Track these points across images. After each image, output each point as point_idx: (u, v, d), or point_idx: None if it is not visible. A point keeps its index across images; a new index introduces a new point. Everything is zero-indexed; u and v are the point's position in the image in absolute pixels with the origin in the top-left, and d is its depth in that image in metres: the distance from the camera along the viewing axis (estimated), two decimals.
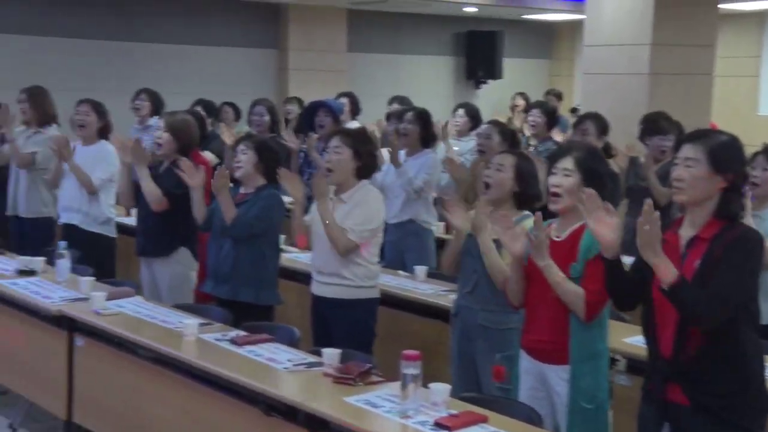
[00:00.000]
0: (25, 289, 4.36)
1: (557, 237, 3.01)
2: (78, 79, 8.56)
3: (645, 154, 5.48)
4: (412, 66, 11.12)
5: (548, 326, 2.97)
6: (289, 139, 6.33)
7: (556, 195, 3.00)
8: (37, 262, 4.75)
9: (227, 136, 6.66)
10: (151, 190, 4.62)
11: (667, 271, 2.35)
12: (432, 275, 4.86)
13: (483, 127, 5.50)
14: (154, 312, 4.01)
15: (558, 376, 2.96)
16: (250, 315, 4.07)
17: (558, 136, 6.83)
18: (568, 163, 3.01)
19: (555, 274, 2.89)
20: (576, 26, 11.58)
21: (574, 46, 12.29)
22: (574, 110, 9.78)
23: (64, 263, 4.46)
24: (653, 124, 5.58)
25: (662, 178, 5.14)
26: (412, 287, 4.65)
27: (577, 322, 2.92)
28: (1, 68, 8.21)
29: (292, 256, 5.29)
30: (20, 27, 8.48)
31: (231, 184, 4.35)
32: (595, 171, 3.01)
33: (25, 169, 5.79)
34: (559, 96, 10.43)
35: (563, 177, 3.00)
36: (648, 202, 2.37)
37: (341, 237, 3.90)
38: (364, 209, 3.96)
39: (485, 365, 3.49)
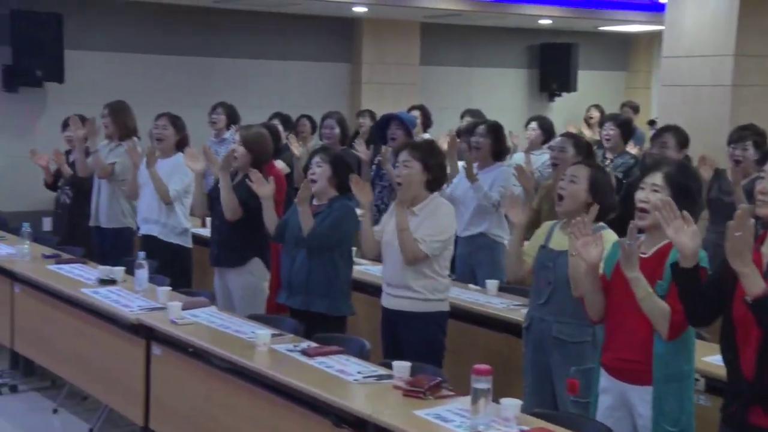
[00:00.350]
0: (106, 297, 4.51)
1: (643, 254, 2.93)
2: (158, 93, 8.79)
3: (730, 167, 5.33)
4: (485, 79, 11.05)
5: (631, 344, 2.90)
6: (360, 150, 6.39)
7: (643, 211, 2.93)
8: (118, 271, 4.91)
9: (295, 148, 6.79)
10: (229, 198, 4.70)
11: (754, 283, 2.25)
12: (503, 289, 4.84)
13: (557, 140, 5.45)
14: (227, 322, 4.09)
15: (640, 398, 2.89)
16: (323, 326, 4.12)
17: (633, 149, 6.71)
18: (657, 178, 2.93)
19: (643, 288, 2.81)
20: (654, 37, 11.34)
21: (651, 57, 12.05)
22: (652, 122, 9.58)
23: (143, 273, 4.59)
24: (733, 134, 5.44)
25: (749, 194, 4.99)
26: (484, 301, 4.64)
27: (662, 342, 2.84)
28: (86, 84, 8.47)
29: (363, 269, 5.33)
30: (104, 44, 8.73)
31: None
32: (685, 187, 2.92)
33: (106, 180, 6.00)
34: (635, 109, 10.24)
35: (651, 192, 2.92)
36: (745, 207, 2.27)
37: (412, 246, 3.91)
38: (435, 221, 3.97)
39: (560, 379, 3.45)
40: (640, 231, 2.99)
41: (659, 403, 2.85)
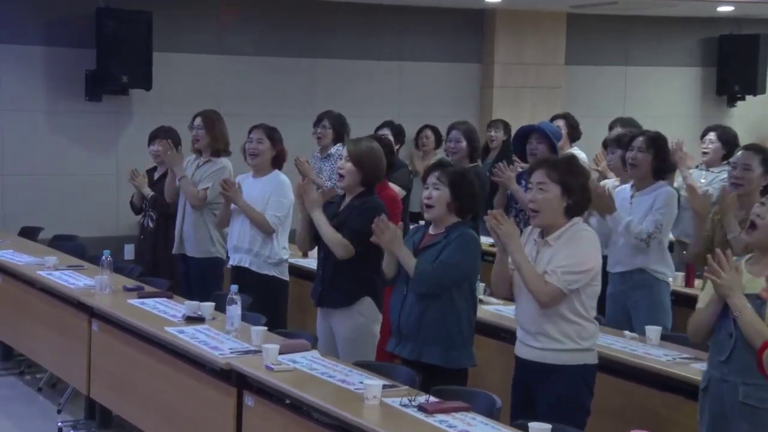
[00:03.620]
0: (193, 338, 4.62)
1: None
2: (250, 101, 8.97)
3: None
4: (646, 80, 10.82)
5: None
6: (501, 174, 6.14)
7: None
8: (206, 307, 5.05)
9: (419, 165, 6.79)
10: (331, 236, 4.72)
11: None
12: (667, 338, 4.74)
13: (739, 155, 5.26)
14: (331, 369, 4.14)
15: None
16: (438, 378, 4.12)
17: None
18: None
19: None
20: None
21: None
22: None
23: (235, 310, 4.68)
24: None
25: None
26: (642, 352, 4.55)
27: None
28: (175, 92, 8.73)
29: (494, 309, 5.30)
30: (195, 45, 8.95)
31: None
32: None
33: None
34: None
35: None
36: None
37: (538, 282, 3.86)
38: (573, 249, 3.90)
39: None
40: None
41: None
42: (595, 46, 10.54)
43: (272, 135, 5.77)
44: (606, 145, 6.78)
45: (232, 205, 5.73)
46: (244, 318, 4.78)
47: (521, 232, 4.11)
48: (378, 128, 7.98)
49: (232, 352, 4.35)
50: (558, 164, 4.07)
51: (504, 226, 3.94)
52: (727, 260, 3.37)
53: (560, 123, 7.62)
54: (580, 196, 4.00)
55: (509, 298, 4.32)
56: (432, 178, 4.38)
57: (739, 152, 5.20)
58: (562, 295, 3.86)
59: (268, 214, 5.60)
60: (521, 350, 4.06)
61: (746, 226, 3.51)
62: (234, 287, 4.74)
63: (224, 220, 5.86)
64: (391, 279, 4.48)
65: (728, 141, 6.79)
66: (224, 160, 6.26)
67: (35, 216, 8.16)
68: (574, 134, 7.87)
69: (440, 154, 8.72)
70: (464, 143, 6.49)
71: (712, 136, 6.90)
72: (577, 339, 3.93)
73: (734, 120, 10.52)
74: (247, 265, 5.66)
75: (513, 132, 8.39)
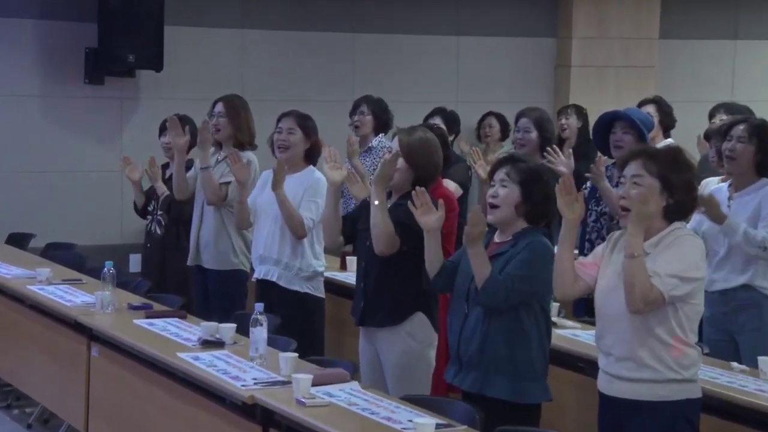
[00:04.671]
0: (210, 365, 4.64)
1: None
2: (279, 84, 8.99)
3: None
4: (759, 57, 10.70)
5: None
6: (557, 158, 6.08)
7: None
8: (226, 330, 5.06)
9: (480, 167, 6.75)
10: (384, 223, 4.72)
11: None
12: None
13: None
14: (375, 405, 4.14)
15: None
16: (505, 415, 4.11)
17: None
18: None
19: None
20: None
21: None
22: None
23: (260, 333, 4.68)
24: None
25: None
26: (754, 389, 4.50)
27: None
28: (192, 73, 8.79)
29: (570, 333, 5.28)
30: (213, 18, 8.96)
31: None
32: None
33: (213, 206, 6.23)
34: None
35: None
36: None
37: (644, 281, 3.78)
38: (677, 252, 3.88)
39: None
40: None
41: None
42: (696, 17, 10.45)
43: (305, 124, 5.80)
44: (709, 136, 6.72)
45: (258, 201, 5.77)
46: (270, 342, 4.79)
47: (603, 240, 4.07)
48: (427, 117, 7.99)
49: (256, 383, 4.37)
50: (659, 155, 4.03)
51: (651, 203, 3.82)
52: None
53: (650, 109, 7.45)
54: (683, 195, 3.95)
55: (593, 322, 4.29)
56: (500, 174, 4.38)
57: None
58: (661, 302, 3.82)
59: (302, 216, 5.63)
60: (606, 384, 4.03)
61: None
62: (259, 305, 4.73)
63: (244, 218, 5.88)
64: (435, 279, 4.49)
65: None
66: (249, 154, 6.27)
67: (25, 220, 8.26)
68: (668, 123, 7.73)
69: (506, 146, 8.68)
70: (535, 133, 6.46)
71: None
72: (676, 367, 3.89)
73: None
74: (275, 279, 5.70)
75: (590, 119, 8.37)
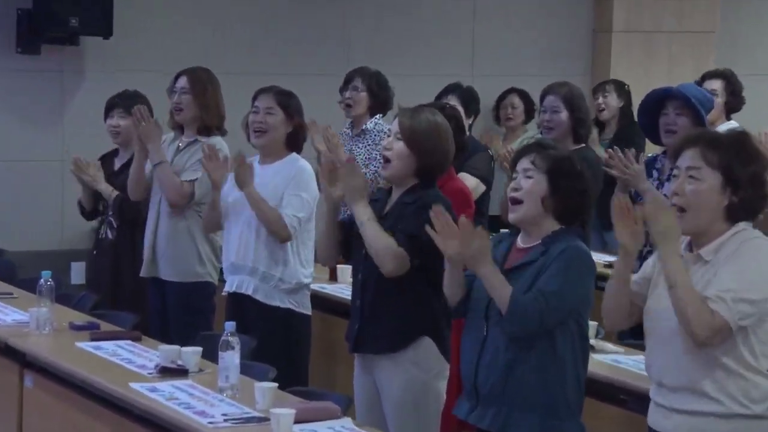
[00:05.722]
0: (171, 399, 4.63)
1: None
2: (254, 54, 8.97)
3: None
4: None
5: None
6: (614, 161, 6.03)
7: None
8: (190, 354, 5.06)
9: (499, 147, 6.79)
10: (379, 241, 4.75)
11: None
12: None
13: None
14: None
15: None
16: None
17: None
18: None
19: None
20: None
21: None
22: None
23: (231, 358, 4.69)
24: None
25: None
26: None
27: None
28: (147, 42, 8.73)
29: (610, 360, 5.29)
30: None
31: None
32: None
33: (174, 205, 6.25)
34: None
35: None
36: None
37: (698, 308, 3.79)
38: (744, 267, 3.88)
39: None
40: None
41: None
42: None
43: (287, 103, 5.83)
44: None
45: (229, 199, 5.78)
46: (244, 370, 4.79)
47: (652, 250, 4.11)
48: (439, 95, 7.97)
49: (227, 420, 4.38)
50: (720, 142, 4.03)
51: (664, 218, 3.88)
52: None
53: (716, 85, 7.55)
54: (751, 191, 3.95)
55: (640, 346, 4.37)
56: (525, 162, 4.39)
57: None
58: (728, 332, 3.84)
59: (284, 215, 5.65)
60: (659, 420, 4.03)
61: None
62: (230, 325, 4.76)
63: (212, 219, 5.92)
64: (457, 307, 4.49)
65: None
66: (218, 141, 6.32)
67: None
68: (735, 103, 7.78)
69: (531, 131, 8.69)
70: (565, 114, 6.50)
71: None
72: (744, 400, 3.89)
73: None
74: (250, 293, 5.73)
75: (634, 98, 8.37)
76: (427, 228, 4.39)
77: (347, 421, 4.40)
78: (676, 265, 3.86)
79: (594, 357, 5.01)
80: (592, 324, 5.17)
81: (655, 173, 5.96)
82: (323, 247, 5.15)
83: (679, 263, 3.88)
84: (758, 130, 7.42)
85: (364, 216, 4.80)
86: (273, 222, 5.63)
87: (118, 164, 6.96)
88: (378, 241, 4.75)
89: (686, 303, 3.82)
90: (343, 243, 5.08)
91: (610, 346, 5.43)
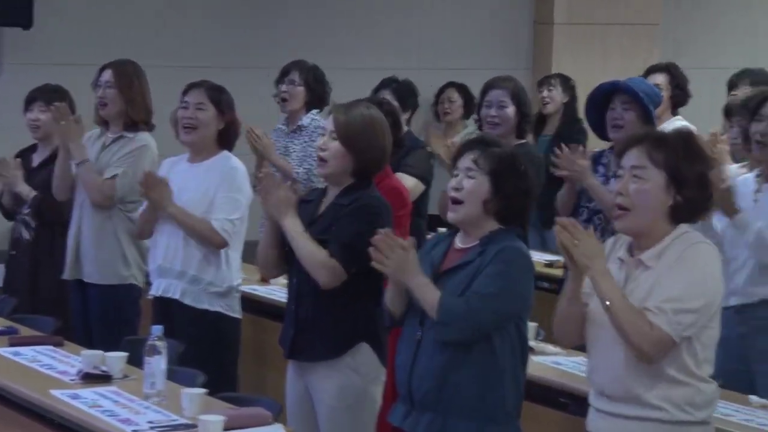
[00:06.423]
0: (94, 406, 4.62)
1: None
2: (183, 46, 8.95)
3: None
4: None
5: None
6: (561, 159, 6.09)
7: None
8: (114, 360, 5.06)
9: (439, 146, 6.80)
10: (311, 254, 4.78)
11: None
12: None
13: None
14: None
15: None
16: None
17: None
18: None
19: None
20: None
21: None
22: None
23: (158, 363, 4.69)
24: None
25: None
26: None
27: None
28: (69, 33, 8.66)
29: (551, 362, 5.34)
30: None
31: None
32: None
33: (97, 204, 6.23)
34: None
35: None
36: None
37: (640, 327, 3.85)
38: (686, 274, 3.93)
39: None
40: None
41: None
42: None
43: (219, 98, 5.83)
44: (729, 113, 6.79)
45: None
46: (171, 376, 4.80)
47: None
48: (377, 89, 7.96)
49: (153, 428, 4.40)
50: (666, 142, 4.07)
51: (583, 241, 3.94)
52: None
53: (659, 79, 7.65)
54: (695, 191, 4.00)
55: (581, 347, 4.35)
56: (467, 161, 4.39)
57: None
58: (672, 344, 3.89)
59: (216, 219, 5.65)
60: (600, 425, 4.08)
61: None
62: (157, 329, 4.76)
63: (147, 227, 5.90)
64: (399, 318, 4.49)
65: None
66: (145, 137, 6.34)
67: None
68: (681, 97, 7.88)
69: (471, 126, 8.72)
70: (512, 109, 6.48)
71: None
72: (688, 408, 3.95)
73: None
74: (177, 297, 5.73)
75: (579, 92, 8.45)
76: (371, 251, 4.35)
77: (278, 428, 4.44)
78: (606, 285, 3.91)
79: (534, 359, 5.05)
80: (532, 325, 5.25)
81: (601, 168, 6.01)
82: (264, 261, 5.14)
83: (610, 282, 3.92)
84: (701, 126, 7.55)
85: (293, 230, 4.82)
86: (203, 232, 5.64)
87: (37, 160, 6.91)
88: (310, 256, 4.78)
89: (623, 321, 3.86)
90: (285, 255, 5.02)
91: (550, 347, 5.48)
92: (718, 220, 5.32)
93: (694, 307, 3.89)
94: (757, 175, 5.51)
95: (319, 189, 5.07)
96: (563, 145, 6.14)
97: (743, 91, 7.36)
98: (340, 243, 4.74)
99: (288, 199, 4.86)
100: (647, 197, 3.97)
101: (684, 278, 3.91)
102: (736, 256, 5.38)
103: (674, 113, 7.73)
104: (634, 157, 4.02)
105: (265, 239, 5.05)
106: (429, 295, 4.25)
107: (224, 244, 5.66)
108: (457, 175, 4.39)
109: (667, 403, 3.93)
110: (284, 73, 7.51)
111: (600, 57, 9.80)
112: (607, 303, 3.88)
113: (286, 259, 4.99)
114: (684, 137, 4.20)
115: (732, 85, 7.90)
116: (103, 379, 4.96)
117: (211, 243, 5.65)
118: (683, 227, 4.01)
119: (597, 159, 6.08)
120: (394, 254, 4.27)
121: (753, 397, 4.96)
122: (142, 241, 6.15)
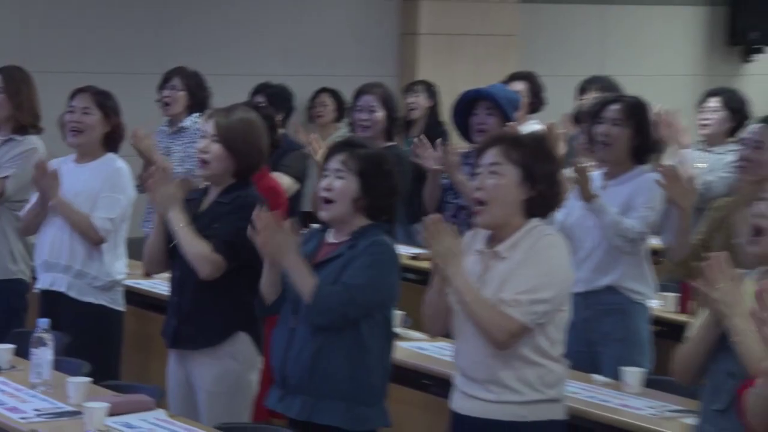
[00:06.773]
0: None
1: None
2: (70, 51, 8.88)
3: None
4: (633, 23, 11.03)
5: None
6: (424, 152, 6.40)
7: None
8: (2, 352, 5.16)
9: (314, 147, 6.98)
10: (194, 248, 4.89)
11: None
12: (652, 383, 5.02)
13: (752, 130, 5.57)
14: None
15: None
16: None
17: None
18: None
19: None
20: None
21: None
22: None
23: (44, 354, 4.79)
24: None
25: None
26: (618, 404, 4.82)
27: None
28: None
29: (415, 347, 5.51)
30: None
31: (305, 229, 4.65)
32: None
33: None
34: None
35: None
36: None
37: (494, 317, 4.07)
38: (538, 265, 4.13)
39: None
40: None
41: None
42: None
43: (104, 103, 5.90)
44: (579, 119, 7.06)
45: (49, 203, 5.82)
46: (57, 366, 4.89)
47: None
48: (253, 93, 8.19)
49: (39, 415, 4.47)
50: (521, 142, 4.31)
51: (442, 238, 4.14)
52: (726, 267, 3.64)
53: (520, 86, 7.87)
54: (546, 188, 4.21)
55: (449, 335, 4.50)
56: (335, 162, 4.50)
57: (755, 127, 5.52)
58: (526, 332, 4.09)
59: (96, 217, 5.73)
60: (461, 403, 4.27)
61: (749, 231, 3.79)
62: (43, 321, 4.85)
63: (34, 223, 5.94)
64: (273, 305, 4.63)
65: (737, 109, 7.18)
66: (33, 140, 6.38)
67: None
68: (537, 103, 8.17)
69: (342, 129, 8.90)
70: (382, 113, 6.75)
71: (714, 102, 7.24)
72: (540, 387, 4.16)
73: (749, 81, 10.87)
74: (63, 290, 5.82)
75: (443, 98, 8.63)
76: (249, 229, 4.49)
77: (160, 413, 4.54)
78: (461, 283, 4.10)
79: (400, 345, 5.21)
80: (399, 313, 5.41)
81: (467, 168, 6.07)
82: (149, 256, 5.20)
83: (464, 281, 4.10)
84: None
85: (178, 223, 4.92)
86: (83, 228, 5.71)
87: None
88: (193, 247, 4.88)
89: (480, 316, 4.07)
90: (170, 251, 5.10)
91: (416, 334, 5.63)
92: (558, 213, 5.35)
93: (547, 297, 4.09)
94: (602, 173, 5.66)
95: (200, 188, 5.16)
96: (423, 136, 6.40)
97: (591, 98, 7.55)
98: (223, 239, 4.85)
99: (174, 195, 4.96)
100: (503, 191, 4.15)
101: (536, 270, 4.11)
102: (582, 245, 5.51)
103: (531, 116, 7.95)
104: (492, 155, 4.22)
105: (152, 235, 5.12)
106: (305, 278, 4.36)
107: (101, 240, 5.74)
108: (327, 176, 4.49)
109: (522, 385, 4.13)
110: (166, 79, 7.60)
111: (461, 65, 9.89)
112: (467, 299, 4.07)
113: (170, 255, 5.06)
114: (537, 139, 4.49)
115: (582, 90, 8.17)
116: None
117: (90, 239, 5.73)
118: (534, 221, 4.20)
119: (464, 157, 6.19)
120: (274, 236, 4.39)
121: (595, 376, 5.17)
122: (29, 235, 6.17)
